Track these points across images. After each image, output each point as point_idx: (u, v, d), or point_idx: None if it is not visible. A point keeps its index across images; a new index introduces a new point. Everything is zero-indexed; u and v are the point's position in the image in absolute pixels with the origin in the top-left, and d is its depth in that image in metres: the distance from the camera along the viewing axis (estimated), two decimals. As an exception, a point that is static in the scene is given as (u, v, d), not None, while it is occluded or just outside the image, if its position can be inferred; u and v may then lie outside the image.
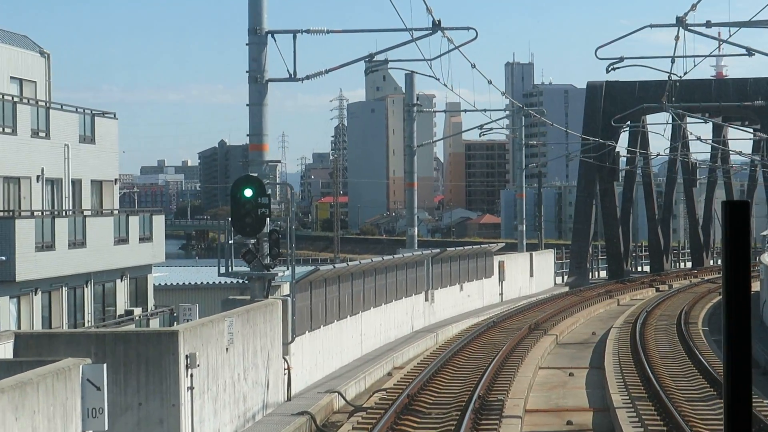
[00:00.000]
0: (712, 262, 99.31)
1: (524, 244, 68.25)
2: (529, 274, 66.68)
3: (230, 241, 27.91)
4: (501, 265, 59.67)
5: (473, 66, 37.65)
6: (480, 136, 51.96)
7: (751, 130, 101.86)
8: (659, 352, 36.38)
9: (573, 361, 37.90)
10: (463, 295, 53.28)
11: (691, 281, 78.12)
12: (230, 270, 27.81)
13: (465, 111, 48.08)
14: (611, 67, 32.26)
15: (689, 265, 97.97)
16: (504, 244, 61.65)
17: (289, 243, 27.87)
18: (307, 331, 30.07)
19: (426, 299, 46.85)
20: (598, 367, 35.06)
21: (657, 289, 71.26)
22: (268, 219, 27.35)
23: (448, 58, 35.33)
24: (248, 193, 26.95)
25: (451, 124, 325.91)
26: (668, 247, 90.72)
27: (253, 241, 27.46)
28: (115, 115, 50.08)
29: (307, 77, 28.04)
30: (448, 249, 49.72)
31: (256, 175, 27.52)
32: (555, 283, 74.55)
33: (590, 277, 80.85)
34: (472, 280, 54.63)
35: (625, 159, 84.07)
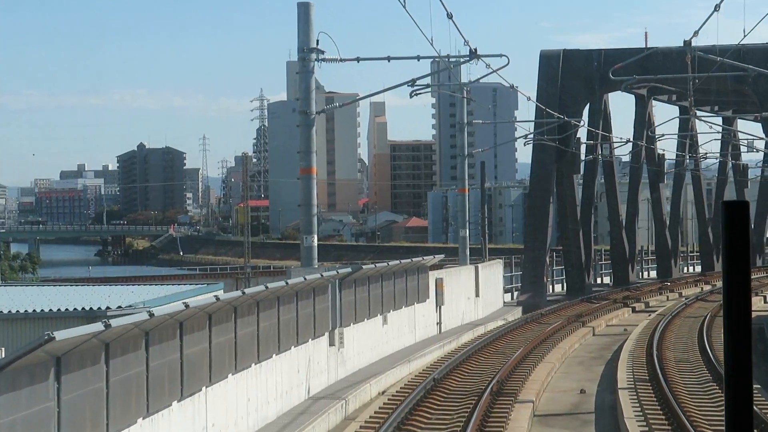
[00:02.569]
0: (680, 270, 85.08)
1: (467, 254, 52.22)
2: (475, 294, 50.94)
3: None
4: (439, 284, 43.97)
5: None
6: (411, 96, 36.30)
7: (720, 117, 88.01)
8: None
9: (572, 459, 22.40)
10: (388, 329, 37.54)
11: (668, 297, 63.38)
12: None
13: (389, 58, 31.84)
14: None
15: (653, 274, 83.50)
16: (443, 255, 45.74)
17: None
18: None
19: (331, 343, 31.07)
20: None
21: (633, 310, 56.48)
22: None
23: None
24: None
25: (376, 124, 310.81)
26: (633, 255, 75.59)
27: None
28: None
29: None
30: (364, 267, 33.73)
31: None
32: (504, 303, 58.96)
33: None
34: (399, 308, 38.90)
35: (585, 146, 68.11)
